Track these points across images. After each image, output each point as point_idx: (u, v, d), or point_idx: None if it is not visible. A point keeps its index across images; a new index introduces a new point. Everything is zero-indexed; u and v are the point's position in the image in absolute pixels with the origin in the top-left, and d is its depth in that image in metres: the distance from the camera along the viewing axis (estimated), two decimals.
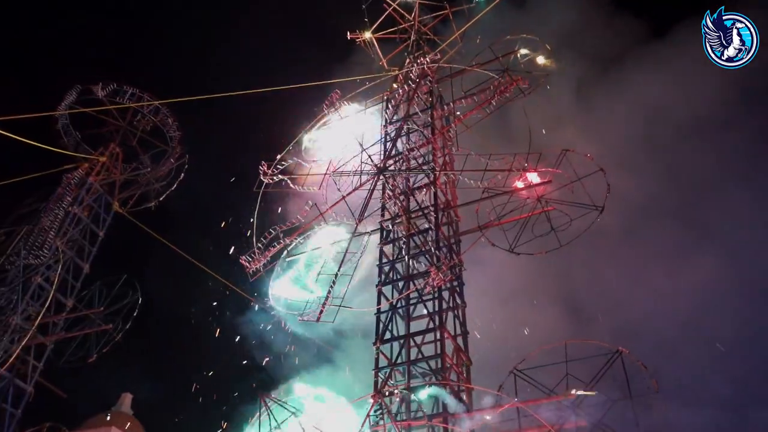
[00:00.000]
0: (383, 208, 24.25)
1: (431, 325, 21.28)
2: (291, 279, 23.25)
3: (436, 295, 21.68)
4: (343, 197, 23.42)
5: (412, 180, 24.71)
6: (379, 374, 20.53)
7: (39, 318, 25.86)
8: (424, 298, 21.84)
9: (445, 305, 21.89)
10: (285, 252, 23.32)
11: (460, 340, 21.93)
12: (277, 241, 22.78)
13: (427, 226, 23.10)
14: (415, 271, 22.50)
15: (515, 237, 23.57)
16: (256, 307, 25.36)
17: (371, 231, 23.82)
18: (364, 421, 15.50)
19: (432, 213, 23.31)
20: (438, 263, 21.04)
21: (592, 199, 22.61)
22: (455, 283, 23.03)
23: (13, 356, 24.38)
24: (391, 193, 23.99)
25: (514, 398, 19.18)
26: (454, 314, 22.27)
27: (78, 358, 27.63)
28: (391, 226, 23.82)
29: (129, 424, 29.27)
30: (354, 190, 23.69)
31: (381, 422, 17.90)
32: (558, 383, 19.61)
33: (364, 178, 23.91)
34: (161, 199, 31.83)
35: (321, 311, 20.97)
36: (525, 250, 23.65)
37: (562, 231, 23.16)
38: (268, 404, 15.40)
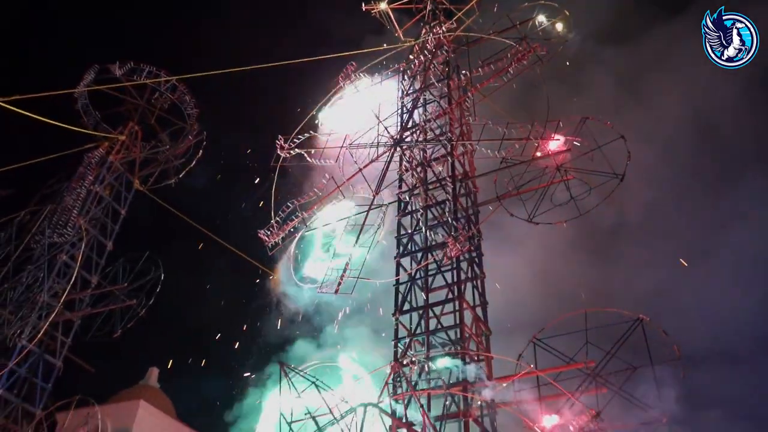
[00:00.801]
0: (400, 180, 24.17)
1: (450, 296, 21.32)
2: (309, 252, 23.36)
3: (454, 265, 21.67)
4: (360, 170, 23.37)
5: (429, 151, 24.53)
6: (399, 345, 20.69)
7: (65, 295, 26.39)
8: (443, 269, 21.83)
9: (463, 276, 21.87)
10: (303, 226, 23.40)
11: (479, 310, 21.93)
12: (295, 214, 22.88)
13: (444, 197, 22.99)
14: (433, 243, 22.46)
15: (534, 206, 23.43)
16: (276, 281, 25.59)
17: (388, 203, 23.78)
18: (383, 389, 15.61)
19: (449, 184, 23.16)
20: (456, 234, 20.96)
21: (612, 168, 22.36)
22: (474, 254, 22.97)
23: (41, 332, 24.97)
24: (408, 165, 23.87)
25: (534, 367, 19.17)
26: (473, 285, 22.23)
27: (104, 333, 28.23)
28: (408, 198, 23.75)
29: (156, 397, 29.85)
30: (370, 162, 23.61)
31: (400, 391, 18.03)
32: (577, 351, 19.55)
33: (381, 150, 23.79)
34: (181, 176, 32.06)
35: (339, 283, 21.06)
36: (544, 220, 23.56)
37: (581, 200, 22.99)
38: (288, 374, 15.55)
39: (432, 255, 22.15)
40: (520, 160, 23.14)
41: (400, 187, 24.18)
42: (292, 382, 15.51)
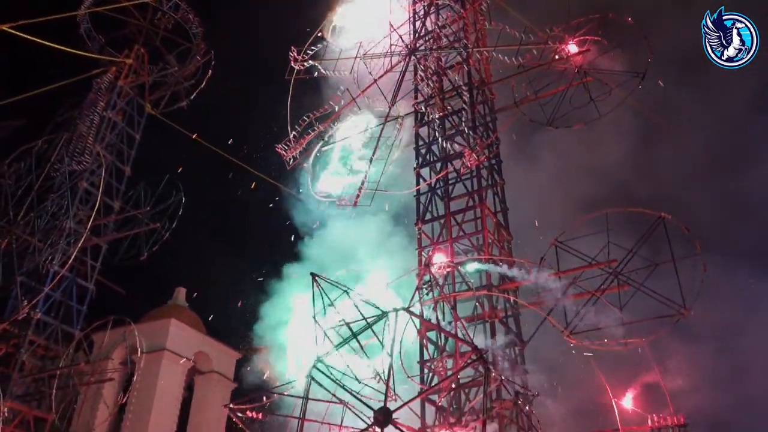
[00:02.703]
0: (416, 89, 23.84)
1: (471, 204, 21.51)
2: (327, 166, 23.46)
3: (474, 174, 21.74)
4: (375, 81, 23.03)
5: (444, 59, 24.04)
6: (423, 254, 21.11)
7: (91, 221, 26.85)
8: (463, 177, 21.92)
9: (483, 183, 21.99)
10: (320, 139, 23.38)
11: (500, 216, 22.19)
12: (312, 128, 22.80)
13: (461, 105, 22.74)
14: (451, 152, 22.43)
15: (553, 110, 23.17)
16: (293, 196, 25.89)
17: (405, 114, 23.59)
18: (414, 293, 16.10)
19: (466, 92, 22.86)
20: (473, 143, 20.89)
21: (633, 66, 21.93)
22: (493, 161, 22.99)
23: (72, 257, 25.61)
24: (423, 74, 23.47)
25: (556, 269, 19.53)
26: (493, 191, 22.40)
27: (130, 256, 28.90)
28: (424, 108, 23.51)
29: (186, 315, 30.84)
30: (385, 72, 23.23)
31: (429, 295, 18.58)
32: (599, 252, 19.81)
33: (395, 59, 23.34)
34: (192, 97, 31.74)
35: (358, 195, 21.24)
36: (563, 124, 23.36)
37: (601, 101, 22.70)
38: (320, 284, 16.00)
39: (451, 164, 22.19)
40: (538, 63, 22.68)
41: (416, 97, 23.90)
42: (324, 291, 15.94)
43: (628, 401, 17.95)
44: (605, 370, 18.88)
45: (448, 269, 18.71)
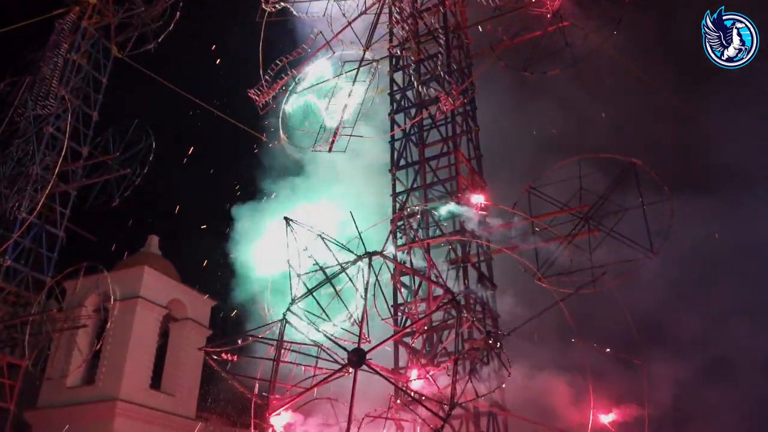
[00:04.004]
0: (391, 33, 23.39)
1: (445, 150, 21.50)
2: (300, 112, 23.10)
3: (449, 120, 21.65)
4: (349, 23, 22.47)
5: (419, 1, 23.54)
6: (397, 199, 21.17)
7: (58, 167, 26.25)
8: (437, 123, 21.83)
9: (458, 129, 21.93)
10: (293, 84, 22.94)
11: (474, 162, 22.25)
12: (285, 72, 22.32)
13: (437, 50, 22.40)
14: (426, 98, 22.24)
15: (529, 56, 22.98)
16: (266, 141, 25.55)
17: (380, 58, 23.18)
18: (387, 238, 16.18)
19: (442, 36, 22.49)
20: (449, 88, 20.70)
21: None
22: (468, 107, 22.88)
23: (39, 203, 25.13)
24: (398, 17, 22.96)
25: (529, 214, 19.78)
26: (467, 138, 22.37)
27: (101, 203, 28.40)
28: (399, 52, 23.13)
29: (159, 263, 30.68)
30: (359, 15, 22.67)
31: (403, 240, 18.71)
32: (571, 198, 20.09)
33: (370, 1, 22.77)
34: (159, 40, 30.68)
35: (332, 141, 21.03)
36: (539, 70, 23.19)
37: (578, 47, 22.53)
38: (293, 228, 15.95)
39: (426, 110, 22.03)
40: (515, 7, 22.37)
41: (390, 41, 23.46)
42: (296, 236, 15.92)
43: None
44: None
45: (422, 214, 18.80)
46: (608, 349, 18.18)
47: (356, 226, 15.94)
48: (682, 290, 25.74)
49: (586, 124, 30.06)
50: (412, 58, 22.61)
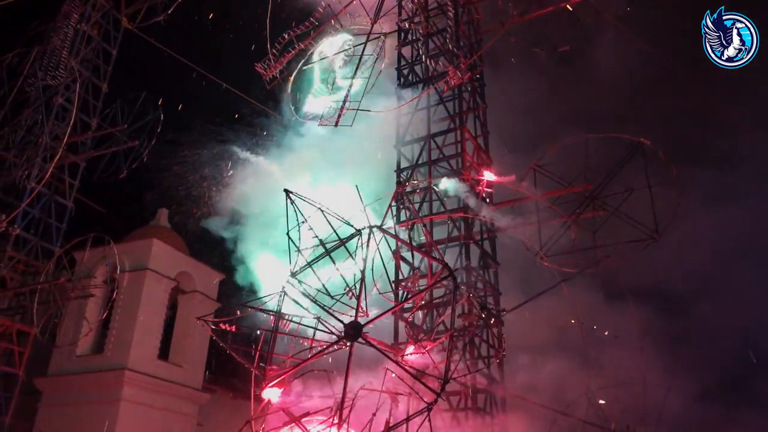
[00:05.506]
0: (399, 6, 23.07)
1: (451, 126, 21.28)
2: (308, 85, 22.93)
3: (456, 96, 21.40)
4: None
5: None
6: (401, 174, 21.05)
7: (66, 137, 26.37)
8: (445, 99, 21.59)
9: (465, 106, 21.69)
10: (301, 58, 22.73)
11: (480, 140, 22.02)
12: (292, 46, 22.09)
13: (446, 24, 22.07)
14: (434, 73, 21.97)
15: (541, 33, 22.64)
16: (274, 114, 25.43)
17: (388, 33, 22.86)
18: (387, 212, 16.07)
19: (451, 9, 22.13)
20: (457, 62, 20.42)
21: None
22: (476, 84, 22.59)
23: (48, 173, 25.33)
24: None
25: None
26: (474, 115, 22.13)
27: (110, 174, 28.54)
28: (408, 26, 22.83)
29: (168, 235, 30.90)
30: None
31: (403, 218, 18.64)
32: (577, 177, 19.87)
33: None
34: (169, 12, 30.48)
35: (339, 115, 20.85)
36: (549, 47, 22.87)
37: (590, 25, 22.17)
38: (294, 201, 15.88)
39: (433, 85, 21.78)
40: None
41: (399, 14, 23.16)
42: (297, 208, 15.85)
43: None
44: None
45: (425, 190, 18.68)
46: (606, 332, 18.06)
47: (360, 198, 15.77)
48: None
49: (598, 103, 29.61)
50: (420, 31, 22.29)
